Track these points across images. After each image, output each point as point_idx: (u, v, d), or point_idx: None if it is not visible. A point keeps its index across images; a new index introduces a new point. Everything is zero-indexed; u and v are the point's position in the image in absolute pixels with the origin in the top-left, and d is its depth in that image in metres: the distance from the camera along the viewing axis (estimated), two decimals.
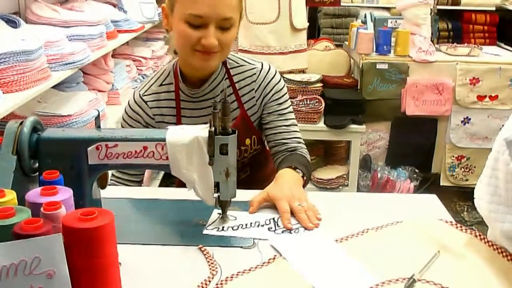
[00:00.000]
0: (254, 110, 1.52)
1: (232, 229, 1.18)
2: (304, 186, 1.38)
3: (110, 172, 1.50)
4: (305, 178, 1.39)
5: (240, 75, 1.50)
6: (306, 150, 1.54)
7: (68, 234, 0.78)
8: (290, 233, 1.17)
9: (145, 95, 1.50)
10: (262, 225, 1.20)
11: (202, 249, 1.10)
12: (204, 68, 1.42)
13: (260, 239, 1.14)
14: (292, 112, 1.56)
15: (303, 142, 1.56)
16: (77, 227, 0.78)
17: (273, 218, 1.23)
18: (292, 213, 1.23)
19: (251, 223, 1.21)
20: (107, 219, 0.81)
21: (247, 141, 1.53)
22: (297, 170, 1.38)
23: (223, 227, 1.19)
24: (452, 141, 3.44)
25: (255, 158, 1.58)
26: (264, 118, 1.53)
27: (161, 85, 1.50)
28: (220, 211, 1.23)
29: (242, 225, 1.20)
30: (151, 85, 1.51)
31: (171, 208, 1.31)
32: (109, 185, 1.50)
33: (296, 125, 1.56)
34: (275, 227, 1.19)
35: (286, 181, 1.32)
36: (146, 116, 1.49)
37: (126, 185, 1.52)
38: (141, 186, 1.58)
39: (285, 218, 1.21)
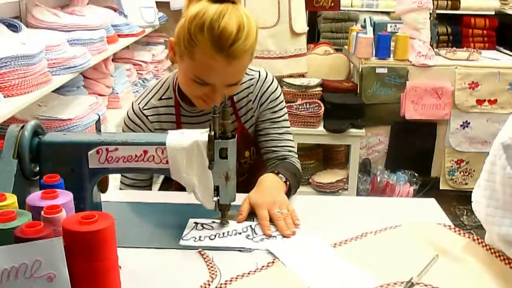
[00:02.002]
0: (252, 122, 1.51)
1: (209, 238, 1.16)
2: (289, 193, 1.36)
3: (114, 176, 1.50)
4: (288, 183, 1.35)
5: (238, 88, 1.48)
6: (297, 159, 1.53)
7: (69, 238, 0.78)
8: (268, 240, 1.16)
9: (145, 109, 1.46)
10: (240, 233, 1.19)
11: (202, 252, 1.11)
12: (205, 108, 1.41)
13: (237, 247, 1.13)
14: (286, 120, 1.54)
15: (295, 151, 1.54)
16: (77, 231, 0.79)
17: (250, 226, 1.22)
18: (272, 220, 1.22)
19: (228, 232, 1.19)
20: (107, 223, 0.82)
21: (246, 154, 1.53)
22: (280, 175, 1.35)
23: (199, 237, 1.16)
24: (451, 145, 3.45)
25: (253, 164, 1.58)
26: (258, 125, 1.52)
27: (160, 99, 1.47)
28: (196, 220, 1.23)
29: (219, 234, 1.18)
30: (151, 99, 1.47)
31: (171, 211, 1.31)
32: (120, 189, 1.52)
33: (290, 133, 1.55)
34: (253, 235, 1.18)
35: (266, 187, 1.30)
36: (147, 129, 1.46)
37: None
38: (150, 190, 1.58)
39: (264, 225, 1.19)
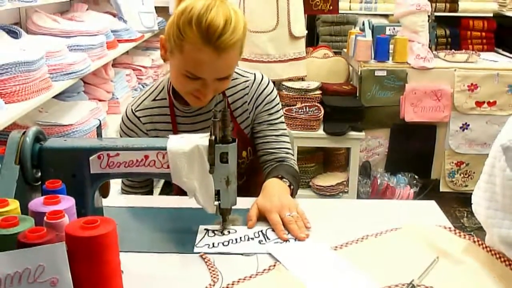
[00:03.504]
0: (248, 122, 1.52)
1: (223, 244, 1.16)
2: (292, 196, 1.36)
3: (116, 181, 1.51)
4: (292, 187, 1.37)
5: (233, 89, 1.49)
6: (295, 161, 1.54)
7: (71, 243, 0.79)
8: (281, 244, 1.16)
9: (137, 111, 1.48)
10: (252, 238, 1.19)
11: (203, 256, 1.11)
12: (198, 106, 1.42)
13: (252, 253, 1.13)
14: (283, 122, 1.55)
15: (292, 153, 1.55)
16: (80, 236, 0.79)
17: (261, 231, 1.22)
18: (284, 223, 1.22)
19: (240, 238, 1.19)
20: (109, 227, 0.82)
21: (244, 154, 1.54)
22: (284, 179, 1.37)
23: (213, 243, 1.17)
24: (451, 147, 3.45)
25: (251, 166, 1.59)
26: (254, 127, 1.53)
27: (154, 100, 1.49)
28: (206, 226, 1.23)
29: (232, 240, 1.18)
30: (144, 100, 1.49)
31: (172, 216, 1.32)
32: (123, 193, 1.53)
33: (287, 135, 1.56)
34: (265, 240, 1.18)
35: (273, 192, 1.31)
36: (140, 131, 1.48)
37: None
38: (152, 194, 1.59)
39: (279, 229, 1.20)
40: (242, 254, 1.13)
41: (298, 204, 1.29)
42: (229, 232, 1.22)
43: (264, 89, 1.51)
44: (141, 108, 1.49)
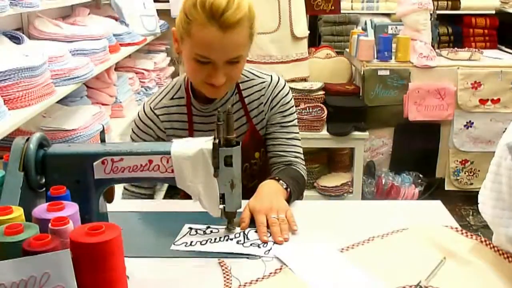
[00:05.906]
0: (263, 124, 1.53)
1: (201, 243, 1.16)
2: (290, 199, 1.35)
3: (120, 186, 1.51)
4: (289, 190, 1.35)
5: (249, 90, 1.50)
6: (304, 166, 1.54)
7: (76, 249, 0.79)
8: (259, 247, 1.15)
9: (156, 109, 1.49)
10: (231, 239, 1.19)
11: (222, 263, 1.09)
12: (214, 97, 1.44)
13: (227, 252, 1.13)
14: (296, 126, 1.55)
15: (302, 158, 1.55)
16: (85, 242, 0.79)
17: (243, 231, 1.22)
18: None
19: (220, 238, 1.19)
20: (114, 233, 0.82)
21: (256, 155, 1.54)
22: (281, 181, 1.36)
23: (191, 242, 1.17)
24: (455, 145, 3.44)
25: (263, 168, 1.58)
26: (267, 128, 1.53)
27: (172, 98, 1.50)
28: (191, 225, 1.24)
29: (211, 240, 1.18)
30: (162, 99, 1.50)
31: (177, 220, 1.31)
32: (123, 198, 1.52)
33: (299, 139, 1.55)
34: (244, 240, 1.18)
35: (265, 193, 1.31)
36: (158, 129, 1.49)
37: (139, 197, 1.53)
38: (153, 198, 1.58)
39: (261, 231, 1.20)
40: (247, 257, 1.12)
41: (289, 208, 1.28)
42: (211, 231, 1.22)
43: (280, 91, 1.52)
44: (160, 106, 1.50)
